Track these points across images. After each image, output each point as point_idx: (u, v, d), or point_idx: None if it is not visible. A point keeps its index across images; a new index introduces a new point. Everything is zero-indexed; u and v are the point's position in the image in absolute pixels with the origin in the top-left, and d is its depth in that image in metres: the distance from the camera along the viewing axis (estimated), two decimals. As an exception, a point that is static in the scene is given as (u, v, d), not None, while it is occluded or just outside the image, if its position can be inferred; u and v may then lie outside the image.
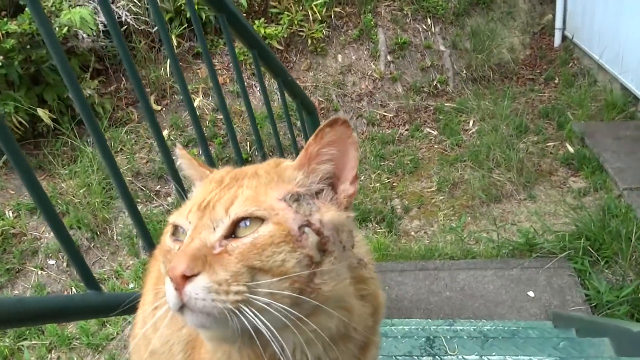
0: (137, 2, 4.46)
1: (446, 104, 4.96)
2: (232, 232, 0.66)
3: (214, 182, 0.76)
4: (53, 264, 3.58)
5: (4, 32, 3.65)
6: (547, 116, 4.61)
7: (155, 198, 4.00)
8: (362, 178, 4.25)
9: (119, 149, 4.22)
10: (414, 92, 5.04)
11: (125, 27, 4.41)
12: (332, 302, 0.70)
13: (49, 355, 3.11)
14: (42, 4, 3.79)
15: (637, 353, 1.76)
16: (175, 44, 4.57)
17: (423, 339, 2.07)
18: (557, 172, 3.98)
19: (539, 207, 3.66)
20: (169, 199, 4.03)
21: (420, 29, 5.25)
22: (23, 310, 0.92)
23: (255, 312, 0.62)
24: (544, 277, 2.99)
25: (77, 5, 4.11)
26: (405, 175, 4.27)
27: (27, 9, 3.87)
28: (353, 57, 5.06)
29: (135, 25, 4.48)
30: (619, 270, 2.88)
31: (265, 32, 4.67)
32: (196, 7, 2.36)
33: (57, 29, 3.86)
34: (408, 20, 5.24)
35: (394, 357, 1.74)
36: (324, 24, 4.95)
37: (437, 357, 1.77)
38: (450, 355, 1.90)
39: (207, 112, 4.51)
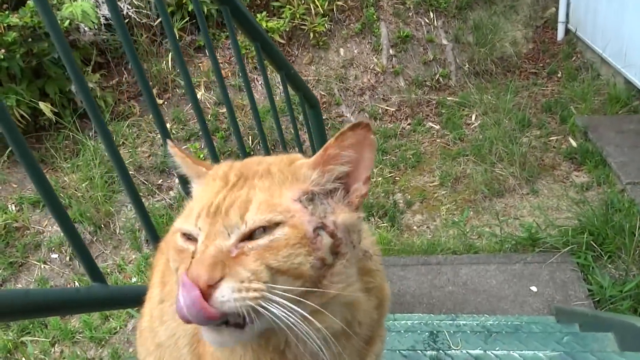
0: (138, -5, 4.44)
1: (448, 98, 4.94)
2: (248, 237, 0.66)
3: (219, 180, 0.73)
4: (56, 258, 3.59)
5: (5, 25, 3.64)
6: (550, 110, 4.59)
7: (157, 192, 4.00)
8: (364, 172, 4.24)
9: (120, 143, 4.22)
10: (416, 86, 5.02)
11: (127, 20, 4.39)
12: (336, 303, 0.70)
13: (53, 349, 3.12)
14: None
15: (641, 347, 1.76)
16: (177, 38, 4.56)
17: (426, 333, 2.07)
18: (560, 167, 3.97)
19: (541, 201, 3.66)
20: (171, 192, 4.03)
21: (423, 23, 5.22)
22: (30, 303, 0.91)
23: (271, 309, 0.62)
24: (547, 271, 2.98)
25: (79, -2, 4.09)
26: (407, 169, 4.26)
27: (28, 2, 3.85)
28: (355, 51, 5.04)
29: (137, 19, 4.47)
30: (622, 265, 2.88)
31: (267, 26, 4.65)
32: None
33: (59, 22, 3.84)
34: (410, 14, 5.21)
35: (397, 352, 1.74)
36: (326, 18, 4.93)
37: (440, 351, 1.77)
38: (454, 349, 1.90)
39: (209, 106, 4.51)
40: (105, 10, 4.19)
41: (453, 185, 3.99)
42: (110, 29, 4.34)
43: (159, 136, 4.21)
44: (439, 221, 3.72)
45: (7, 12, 3.72)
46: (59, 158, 4.02)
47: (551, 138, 4.27)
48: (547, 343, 1.96)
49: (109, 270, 3.55)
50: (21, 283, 3.48)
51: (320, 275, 0.66)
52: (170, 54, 4.59)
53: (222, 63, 4.70)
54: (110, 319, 3.24)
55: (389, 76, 5.03)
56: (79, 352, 3.06)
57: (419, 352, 1.74)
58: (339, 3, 5.04)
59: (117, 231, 3.75)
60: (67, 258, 3.59)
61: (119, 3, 4.36)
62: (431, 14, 5.24)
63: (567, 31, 5.46)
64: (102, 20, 4.20)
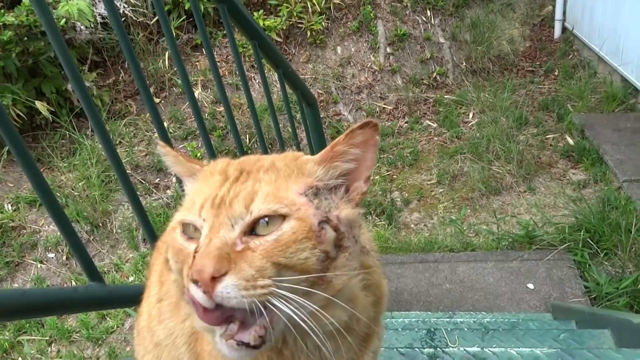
0: (135, -7, 4.43)
1: (446, 96, 4.95)
2: (252, 229, 0.65)
3: (217, 174, 0.73)
4: (52, 257, 3.58)
5: (1, 24, 3.62)
6: (547, 108, 4.60)
7: (154, 191, 4.00)
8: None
9: (117, 142, 4.21)
10: (414, 84, 5.03)
11: (123, 19, 4.37)
12: (343, 296, 0.70)
13: (49, 349, 3.12)
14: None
15: (638, 344, 1.77)
16: (174, 36, 4.54)
17: (424, 331, 2.07)
18: (557, 164, 3.99)
19: (538, 199, 3.67)
20: (168, 191, 4.02)
21: (420, 21, 5.23)
22: (27, 302, 0.91)
23: (280, 304, 0.62)
24: (544, 269, 3.00)
25: (75, -4, 4.07)
26: (405, 167, 4.27)
27: (24, 0, 3.84)
28: (352, 49, 5.04)
29: (134, 17, 4.45)
30: (618, 262, 2.89)
31: (264, 24, 4.64)
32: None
33: (55, 20, 3.83)
34: (407, 12, 5.21)
35: (395, 349, 1.74)
36: (323, 16, 4.93)
37: (438, 349, 1.77)
38: (452, 347, 1.90)
39: (207, 105, 4.50)
40: (101, 9, 4.18)
41: (450, 183, 4.00)
42: (107, 28, 4.33)
43: (156, 135, 4.20)
44: (436, 219, 3.73)
45: (2, 11, 3.70)
46: (56, 157, 4.01)
47: (548, 136, 4.28)
48: (544, 340, 1.97)
49: (106, 269, 3.55)
50: (18, 282, 3.47)
51: (324, 268, 0.66)
52: (167, 52, 4.58)
53: (219, 61, 4.70)
54: (107, 318, 3.23)
55: (386, 74, 5.03)
56: (75, 352, 3.06)
57: (417, 349, 1.75)
58: (336, 1, 5.04)
59: (114, 230, 3.74)
60: (64, 257, 3.58)
61: (115, 1, 4.35)
62: (428, 12, 5.24)
63: (564, 29, 5.47)
64: (99, 19, 4.19)
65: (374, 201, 3.87)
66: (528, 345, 1.94)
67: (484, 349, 1.74)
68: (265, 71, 2.78)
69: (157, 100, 4.52)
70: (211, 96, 4.54)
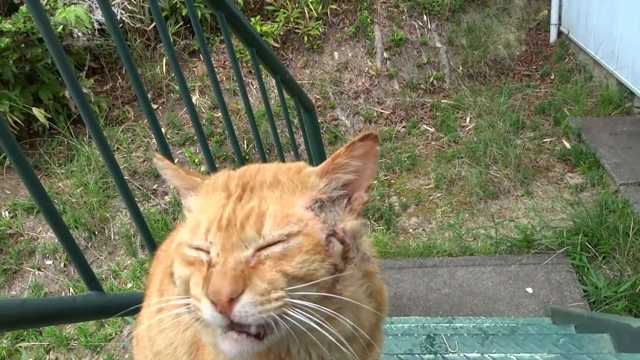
0: (132, 0, 4.43)
1: (443, 101, 4.96)
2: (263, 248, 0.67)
3: (220, 191, 0.73)
4: (50, 264, 3.56)
5: (-2, 30, 3.62)
6: (544, 112, 4.62)
7: (152, 197, 3.99)
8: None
9: (115, 148, 4.20)
10: (411, 89, 5.04)
11: (120, 25, 4.38)
12: (350, 306, 0.71)
13: (47, 356, 3.10)
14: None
15: (637, 349, 1.77)
16: (172, 42, 4.55)
17: (423, 336, 2.07)
18: (554, 168, 3.99)
19: (536, 203, 3.67)
20: (166, 197, 4.01)
21: (417, 26, 5.25)
22: (26, 312, 0.91)
23: (294, 313, 0.64)
24: (542, 273, 3.00)
25: (72, 3, 4.08)
26: (402, 172, 4.27)
27: (21, 7, 3.84)
28: (349, 54, 5.05)
29: (131, 24, 4.46)
30: (616, 266, 2.89)
31: (261, 30, 4.65)
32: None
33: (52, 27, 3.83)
34: (404, 17, 5.23)
35: (395, 356, 1.74)
36: (320, 21, 4.94)
37: (438, 354, 1.77)
38: (451, 352, 1.90)
39: (204, 111, 4.50)
40: (98, 16, 4.18)
41: (448, 188, 4.00)
42: (104, 34, 4.33)
43: (154, 141, 4.19)
44: (434, 224, 3.73)
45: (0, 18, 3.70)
46: (53, 164, 4.00)
47: (545, 140, 4.29)
48: (543, 345, 1.97)
49: (104, 276, 3.54)
50: (15, 290, 3.45)
51: (333, 280, 0.68)
52: (164, 58, 4.59)
53: (216, 67, 4.70)
54: (106, 326, 3.22)
55: (383, 79, 5.04)
56: (73, 359, 3.04)
57: (417, 355, 1.74)
58: (333, 7, 5.05)
59: (112, 237, 3.73)
60: (62, 264, 3.56)
61: (112, 8, 4.35)
62: (425, 17, 5.26)
63: (560, 33, 5.49)
64: (96, 25, 4.19)
65: (372, 206, 3.87)
66: (528, 350, 1.94)
67: (484, 355, 1.74)
68: (263, 77, 2.78)
69: (154, 106, 4.52)
70: (209, 102, 4.54)
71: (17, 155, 0.93)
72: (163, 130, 4.33)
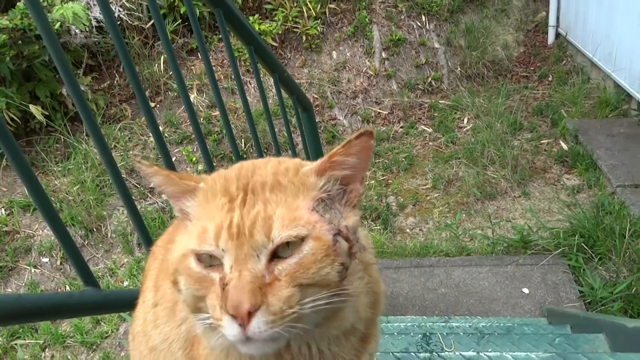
0: (130, -3, 4.43)
1: (441, 101, 4.97)
2: (275, 254, 0.67)
3: (220, 195, 0.71)
4: (46, 262, 3.56)
5: (-5, 27, 3.61)
6: (541, 113, 4.63)
7: (149, 195, 3.98)
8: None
9: (112, 146, 4.19)
10: (409, 89, 5.05)
11: (118, 22, 4.37)
12: (351, 300, 0.72)
13: (43, 354, 3.09)
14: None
15: (632, 349, 1.77)
16: (170, 40, 4.54)
17: (419, 335, 2.07)
18: (551, 169, 4.01)
19: (533, 204, 3.68)
20: (163, 195, 4.01)
21: (415, 26, 5.25)
22: (22, 307, 0.91)
23: (302, 323, 0.66)
24: (539, 273, 3.00)
25: (70, 0, 4.07)
26: (400, 172, 4.28)
27: (18, 4, 3.83)
28: (348, 54, 5.05)
29: (129, 21, 4.45)
30: (612, 267, 2.90)
31: (259, 29, 4.65)
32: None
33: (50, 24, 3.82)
34: (402, 17, 5.24)
35: (391, 354, 1.74)
36: (319, 21, 4.94)
37: (434, 353, 1.77)
38: (447, 351, 1.91)
39: (202, 109, 4.50)
40: (96, 13, 4.17)
41: (445, 188, 4.01)
42: (102, 32, 4.32)
43: (152, 139, 4.19)
44: (431, 224, 3.73)
45: (-3, 14, 3.69)
46: (50, 161, 3.99)
47: (542, 141, 4.30)
48: (539, 344, 1.98)
49: (100, 274, 3.53)
50: (11, 287, 3.44)
51: (341, 278, 0.69)
52: (162, 56, 4.58)
53: (214, 66, 4.70)
54: (102, 323, 3.21)
55: (381, 79, 5.05)
56: (69, 357, 3.03)
57: (413, 354, 1.75)
58: (332, 6, 5.05)
59: (109, 235, 3.73)
60: (58, 262, 3.56)
61: (110, 5, 4.34)
62: (423, 17, 5.27)
63: (558, 35, 5.51)
64: (94, 23, 4.18)
65: (369, 206, 3.87)
66: (523, 349, 1.94)
67: (480, 354, 1.74)
68: (261, 76, 2.78)
69: (152, 104, 4.51)
70: (207, 100, 4.54)
71: (14, 152, 0.92)
72: (160, 128, 4.33)
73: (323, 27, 5.02)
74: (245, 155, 4.25)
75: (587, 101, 4.59)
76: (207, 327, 0.70)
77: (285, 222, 0.67)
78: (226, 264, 0.66)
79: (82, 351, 3.09)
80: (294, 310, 0.65)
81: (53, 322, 3.22)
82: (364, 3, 5.14)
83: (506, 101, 4.72)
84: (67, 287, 3.42)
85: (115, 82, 4.58)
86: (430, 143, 4.57)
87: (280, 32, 4.79)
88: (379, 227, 3.71)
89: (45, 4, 3.97)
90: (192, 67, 4.71)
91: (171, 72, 4.35)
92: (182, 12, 4.56)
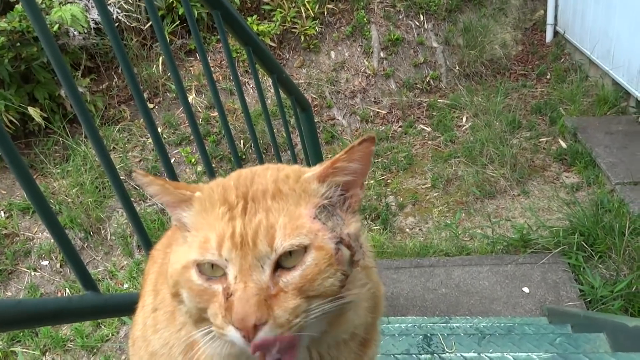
0: (128, -1, 4.42)
1: (439, 100, 4.97)
2: (277, 264, 0.66)
3: (219, 204, 0.70)
4: (46, 265, 3.55)
5: (-7, 29, 3.61)
6: (540, 112, 4.63)
7: (148, 197, 3.98)
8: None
9: (111, 148, 4.19)
10: (407, 88, 5.04)
11: (117, 24, 4.36)
12: (353, 306, 0.72)
13: (43, 358, 3.09)
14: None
15: (633, 348, 1.77)
16: (168, 41, 4.54)
17: (420, 336, 2.07)
18: (550, 168, 4.00)
19: (532, 202, 3.68)
20: (162, 197, 4.00)
21: (413, 26, 5.25)
22: (22, 313, 0.90)
23: (307, 331, 0.67)
24: (539, 272, 3.00)
25: (68, 2, 4.07)
26: (399, 171, 4.27)
27: (16, 6, 3.82)
28: (346, 54, 5.05)
29: (127, 23, 4.44)
30: (612, 265, 2.90)
31: (258, 29, 4.65)
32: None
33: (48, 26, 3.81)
34: (401, 17, 5.23)
35: (392, 356, 1.74)
36: (317, 21, 4.94)
37: (435, 354, 1.77)
38: (448, 352, 1.90)
39: (201, 110, 4.49)
40: (94, 14, 4.17)
41: (445, 187, 4.01)
42: (100, 33, 4.32)
43: (151, 140, 4.18)
44: (431, 223, 3.73)
45: (-6, 17, 3.69)
46: (49, 163, 3.98)
47: (541, 139, 4.30)
48: (540, 344, 1.98)
49: (100, 276, 3.52)
50: (11, 291, 3.44)
51: (343, 286, 0.69)
52: (161, 57, 4.57)
53: (213, 66, 4.69)
54: (102, 327, 3.21)
55: (380, 79, 5.04)
56: (70, 360, 3.03)
57: (414, 355, 1.74)
58: (330, 6, 5.05)
59: (108, 237, 3.72)
60: (58, 265, 3.55)
61: (108, 7, 4.33)
62: (421, 16, 5.26)
63: (556, 33, 5.51)
64: (92, 24, 4.18)
65: (369, 205, 3.87)
66: (524, 349, 1.94)
67: (481, 354, 1.74)
68: (260, 76, 2.78)
69: (151, 105, 4.51)
70: (205, 101, 4.53)
71: (12, 155, 0.92)
72: (159, 129, 4.32)
73: (321, 28, 5.01)
74: (244, 156, 4.25)
75: (585, 99, 4.59)
76: (209, 337, 0.69)
77: (287, 231, 0.66)
78: (230, 274, 0.66)
79: (82, 355, 3.09)
80: (300, 319, 0.65)
81: (53, 326, 3.21)
82: (362, 3, 5.14)
83: (505, 99, 4.71)
84: (67, 290, 3.42)
85: (114, 83, 4.58)
86: (429, 142, 4.57)
87: (278, 32, 4.79)
88: (378, 227, 3.70)
89: (43, 6, 3.96)
90: (191, 68, 4.71)
91: (170, 73, 4.35)
92: (180, 13, 4.56)
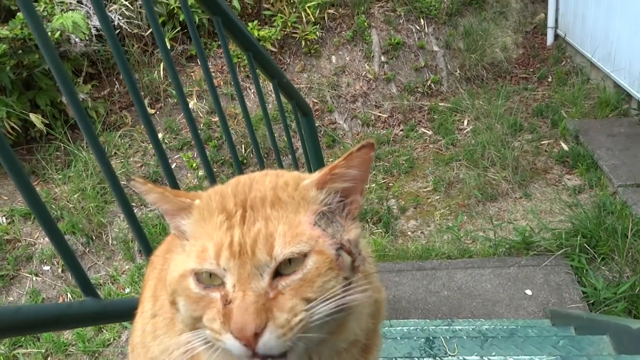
0: (129, 6, 4.44)
1: (440, 104, 4.97)
2: (277, 271, 0.66)
3: (217, 212, 0.70)
4: (48, 270, 3.55)
5: (-5, 37, 3.62)
6: (541, 114, 4.63)
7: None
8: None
9: (113, 153, 4.20)
10: (408, 92, 5.04)
11: (118, 31, 4.38)
12: (355, 312, 0.72)
13: (45, 363, 3.09)
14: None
15: (637, 350, 1.76)
16: (169, 47, 4.55)
17: (422, 339, 2.06)
18: (552, 170, 4.00)
19: (534, 205, 3.67)
20: (164, 202, 4.00)
21: (414, 30, 5.26)
22: (22, 319, 0.90)
23: (312, 334, 0.66)
24: (541, 275, 2.99)
25: (70, 9, 4.08)
26: (401, 175, 4.27)
27: (18, 14, 3.84)
28: (347, 58, 5.06)
29: (128, 29, 4.46)
30: (615, 267, 2.89)
31: (259, 35, 4.66)
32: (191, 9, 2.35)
33: (49, 33, 3.83)
34: (401, 21, 5.24)
35: (394, 359, 1.73)
36: (318, 26, 4.95)
37: (437, 357, 1.76)
38: (451, 355, 1.90)
39: (202, 115, 4.50)
40: (96, 21, 4.18)
41: (446, 190, 4.00)
42: (102, 40, 4.33)
43: (152, 146, 4.19)
44: (433, 226, 3.72)
45: (-4, 24, 3.71)
46: (50, 169, 3.99)
47: (543, 142, 4.29)
48: (543, 347, 1.97)
49: (101, 281, 3.53)
50: (13, 296, 3.44)
51: (345, 291, 0.68)
52: (162, 63, 4.59)
53: (213, 72, 4.70)
54: (104, 331, 3.20)
55: (381, 83, 5.05)
56: (72, 366, 3.03)
57: (416, 359, 1.74)
58: (330, 11, 5.06)
59: (110, 242, 3.72)
60: (59, 270, 3.55)
61: (109, 14, 4.36)
62: (422, 20, 5.27)
63: (557, 36, 5.51)
64: (93, 31, 4.19)
65: (370, 209, 3.86)
66: (527, 352, 1.93)
67: (483, 358, 1.73)
68: (260, 81, 2.78)
69: (152, 111, 4.52)
70: (206, 106, 4.54)
71: (11, 161, 0.92)
72: (161, 135, 4.33)
73: (322, 32, 5.02)
74: (245, 161, 4.25)
75: (587, 101, 4.58)
76: (205, 343, 0.69)
77: (287, 239, 0.66)
78: (228, 282, 0.65)
79: (84, 359, 3.09)
80: (300, 318, 0.64)
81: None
82: (362, 8, 5.15)
83: (506, 103, 4.71)
84: (69, 295, 3.42)
85: (115, 89, 4.59)
86: (431, 145, 4.57)
87: (279, 37, 4.80)
88: (380, 230, 3.70)
89: (45, 13, 3.98)
90: (192, 74, 4.72)
91: (171, 79, 4.36)
92: (181, 19, 4.57)
